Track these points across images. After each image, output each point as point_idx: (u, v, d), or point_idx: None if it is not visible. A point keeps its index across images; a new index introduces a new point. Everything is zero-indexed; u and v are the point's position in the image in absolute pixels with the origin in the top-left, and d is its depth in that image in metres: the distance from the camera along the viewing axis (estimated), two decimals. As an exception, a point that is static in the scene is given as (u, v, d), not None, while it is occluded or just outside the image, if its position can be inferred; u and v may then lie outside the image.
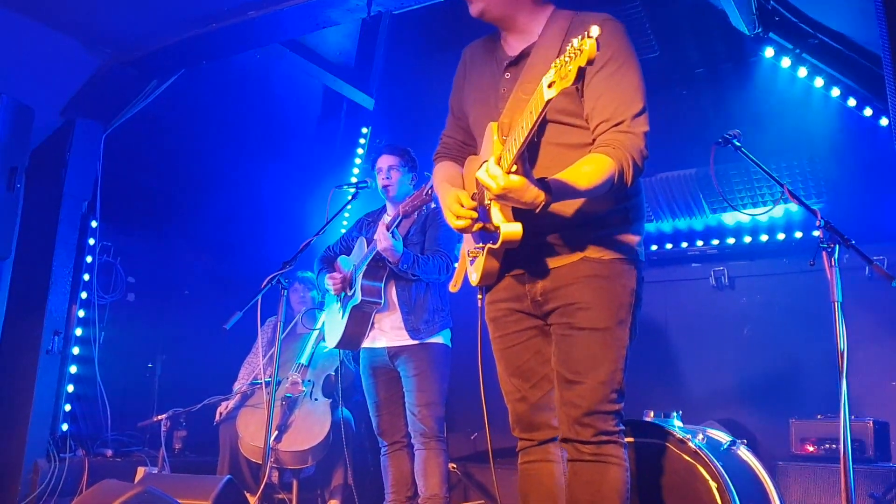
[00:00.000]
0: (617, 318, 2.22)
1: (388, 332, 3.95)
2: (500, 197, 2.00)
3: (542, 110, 1.85)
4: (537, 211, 2.02)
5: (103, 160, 4.81)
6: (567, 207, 2.19)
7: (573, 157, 2.16)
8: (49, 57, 4.39)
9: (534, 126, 1.90)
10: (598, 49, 1.71)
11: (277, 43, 5.06)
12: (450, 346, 4.00)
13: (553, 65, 1.78)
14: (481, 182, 2.01)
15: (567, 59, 1.74)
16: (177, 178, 5.48)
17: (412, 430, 3.87)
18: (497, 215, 2.12)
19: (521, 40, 2.39)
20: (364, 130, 6.46)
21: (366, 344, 4.01)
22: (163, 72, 4.75)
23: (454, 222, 2.25)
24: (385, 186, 4.04)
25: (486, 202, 2.17)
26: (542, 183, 2.02)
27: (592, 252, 2.24)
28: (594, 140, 2.21)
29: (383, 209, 4.22)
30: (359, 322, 3.95)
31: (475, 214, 2.22)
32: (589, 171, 2.08)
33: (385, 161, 4.07)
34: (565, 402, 2.22)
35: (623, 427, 2.22)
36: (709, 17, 4.44)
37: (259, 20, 4.12)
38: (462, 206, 2.23)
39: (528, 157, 2.07)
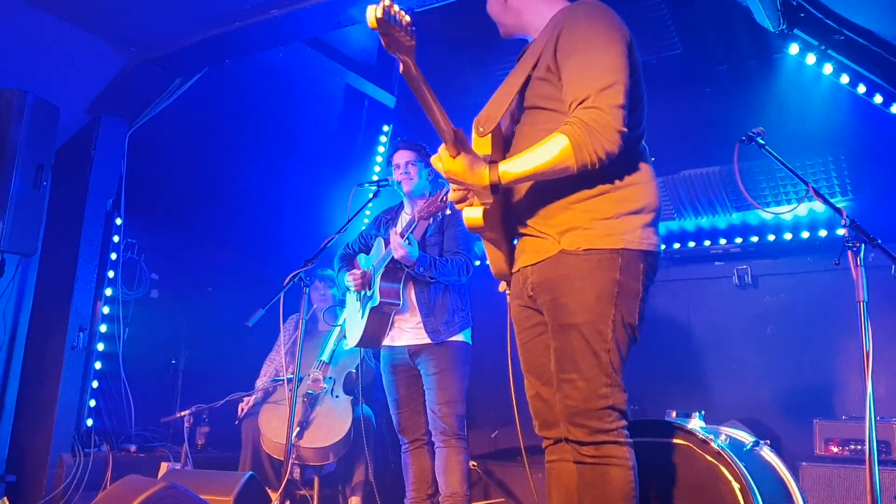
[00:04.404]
0: (594, 311, 2.14)
1: (408, 332, 3.95)
2: (449, 180, 2.14)
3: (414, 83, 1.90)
4: (488, 190, 2.10)
5: (128, 158, 4.85)
6: (534, 187, 2.23)
7: None
8: (75, 55, 4.43)
9: (423, 98, 1.94)
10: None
11: (299, 41, 5.07)
12: (470, 343, 4.00)
13: None
14: (434, 167, 2.15)
15: None
16: (200, 176, 5.51)
17: (433, 428, 3.87)
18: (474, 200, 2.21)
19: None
20: (385, 128, 6.45)
21: (386, 342, 4.01)
22: (186, 70, 4.80)
23: (452, 194, 2.28)
24: (403, 182, 4.04)
25: None
26: (492, 164, 2.09)
27: (570, 242, 2.19)
28: None
29: (401, 206, 4.23)
30: (378, 322, 3.95)
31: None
32: (538, 149, 2.09)
33: (402, 157, 4.05)
34: (559, 401, 2.20)
35: (625, 422, 2.15)
36: (732, 14, 4.39)
37: (281, 19, 4.14)
38: None
39: (467, 140, 2.10)
